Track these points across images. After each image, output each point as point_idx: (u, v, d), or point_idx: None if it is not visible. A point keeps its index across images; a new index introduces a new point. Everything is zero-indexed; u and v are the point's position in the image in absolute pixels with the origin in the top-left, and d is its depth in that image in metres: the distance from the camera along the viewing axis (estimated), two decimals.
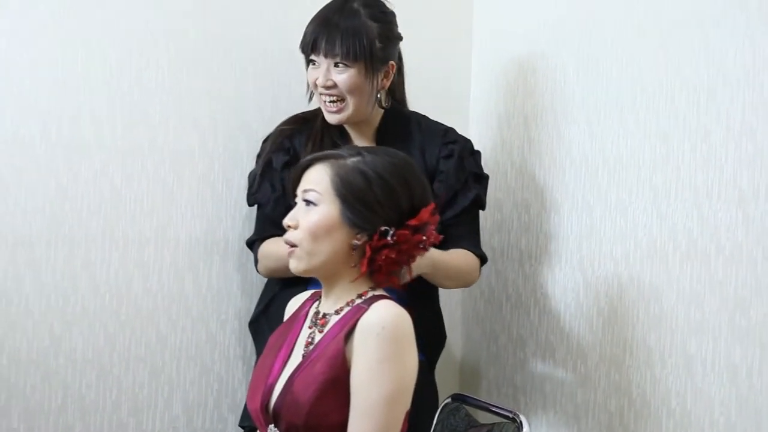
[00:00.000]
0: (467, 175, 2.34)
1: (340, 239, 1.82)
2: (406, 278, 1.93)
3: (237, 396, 2.57)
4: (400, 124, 2.37)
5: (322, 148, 2.27)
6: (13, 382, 2.37)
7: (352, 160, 1.84)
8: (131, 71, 2.47)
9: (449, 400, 2.27)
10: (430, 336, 2.34)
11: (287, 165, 2.33)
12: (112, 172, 2.45)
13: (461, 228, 2.33)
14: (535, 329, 2.58)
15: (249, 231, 2.48)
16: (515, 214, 2.65)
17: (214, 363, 2.56)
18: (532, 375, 2.58)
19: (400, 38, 2.35)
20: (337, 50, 2.23)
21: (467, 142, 2.40)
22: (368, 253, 1.82)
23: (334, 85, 2.26)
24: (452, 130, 2.40)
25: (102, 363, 2.45)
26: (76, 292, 2.42)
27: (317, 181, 1.83)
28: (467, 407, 2.26)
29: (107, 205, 2.45)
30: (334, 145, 2.29)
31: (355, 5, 2.27)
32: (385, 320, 1.75)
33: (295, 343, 1.87)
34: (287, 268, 2.14)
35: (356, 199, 1.81)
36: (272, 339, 1.93)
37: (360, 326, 1.75)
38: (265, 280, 2.44)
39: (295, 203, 1.87)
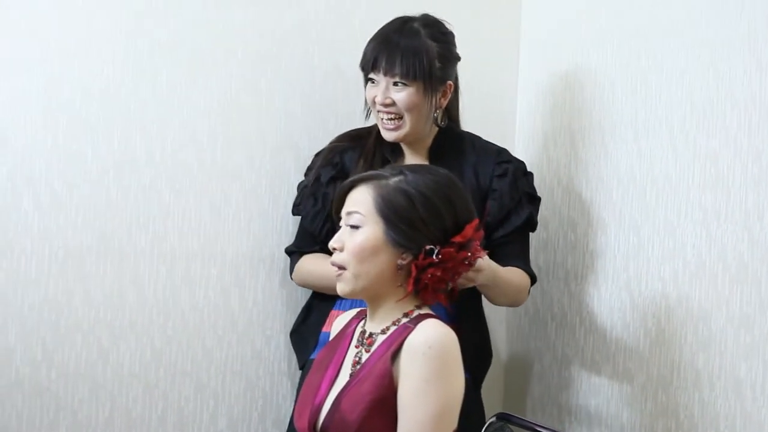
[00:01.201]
0: (520, 195, 2.35)
1: (385, 260, 1.82)
2: (468, 285, 1.97)
3: (281, 411, 2.58)
4: (454, 143, 2.38)
5: (373, 166, 2.29)
6: (62, 395, 2.40)
7: (394, 180, 1.84)
8: (181, 89, 2.50)
9: (494, 419, 2.26)
10: (476, 354, 2.34)
11: (333, 180, 2.36)
12: (161, 187, 2.48)
13: (513, 247, 2.33)
14: (580, 348, 2.56)
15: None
16: (561, 232, 2.64)
17: (259, 378, 2.57)
18: (577, 395, 2.56)
19: (459, 58, 2.36)
20: (397, 69, 2.25)
21: (521, 163, 2.41)
22: (414, 272, 1.82)
23: (393, 103, 2.27)
24: (506, 150, 2.42)
25: (148, 377, 2.47)
26: (124, 306, 2.45)
27: (360, 203, 1.84)
28: (512, 427, 2.25)
29: (156, 220, 2.47)
30: (386, 163, 2.31)
31: (416, 25, 2.29)
32: (432, 339, 1.75)
33: (342, 363, 1.87)
34: (326, 287, 2.16)
35: (400, 218, 1.81)
36: (319, 357, 1.94)
37: (406, 346, 1.75)
38: (309, 293, 2.46)
39: (340, 226, 1.88)
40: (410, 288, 1.82)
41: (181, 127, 2.50)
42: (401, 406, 1.74)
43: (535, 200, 2.39)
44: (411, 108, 2.27)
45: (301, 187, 2.45)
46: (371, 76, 2.29)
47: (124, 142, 2.44)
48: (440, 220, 1.83)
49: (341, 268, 1.84)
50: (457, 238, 1.83)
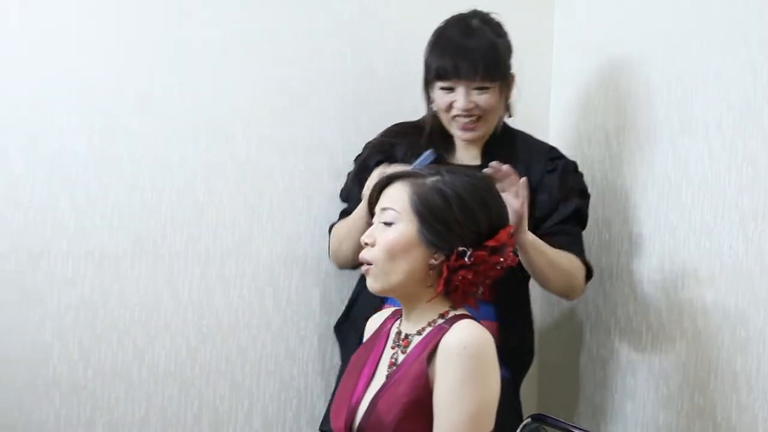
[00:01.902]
0: (569, 189, 2.35)
1: (417, 258, 1.81)
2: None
3: (315, 411, 2.59)
4: (506, 140, 2.38)
5: None
6: (98, 394, 2.42)
7: (431, 179, 1.83)
8: (214, 89, 2.51)
9: (529, 420, 2.25)
10: (517, 353, 2.32)
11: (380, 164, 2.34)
12: (195, 188, 2.49)
13: (562, 237, 2.31)
14: (615, 349, 2.54)
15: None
16: (596, 232, 2.62)
17: (293, 378, 2.58)
18: (612, 396, 2.54)
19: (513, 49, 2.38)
20: (480, 74, 2.26)
21: (572, 162, 2.41)
22: (445, 273, 1.81)
23: (475, 107, 2.29)
24: (556, 148, 2.43)
25: (184, 376, 2.49)
26: (159, 306, 2.47)
27: (396, 199, 1.83)
28: (547, 428, 2.24)
29: (190, 220, 2.49)
30: (438, 158, 2.29)
31: (476, 23, 2.30)
32: (467, 340, 1.74)
33: (378, 363, 1.87)
34: (347, 250, 2.20)
35: (434, 218, 1.80)
36: (354, 357, 1.94)
37: (442, 347, 1.75)
38: (348, 290, 2.47)
39: (373, 222, 1.88)
40: (440, 288, 1.81)
41: (215, 128, 2.51)
42: (437, 407, 1.73)
43: (584, 196, 2.39)
44: (492, 109, 2.30)
45: (350, 175, 2.45)
46: (447, 84, 2.29)
47: (158, 143, 2.46)
48: (475, 223, 1.82)
49: (369, 264, 1.84)
50: (491, 242, 1.82)
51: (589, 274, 2.35)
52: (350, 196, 2.41)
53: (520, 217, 2.11)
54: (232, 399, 2.53)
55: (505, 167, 2.11)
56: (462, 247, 1.80)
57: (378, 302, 2.22)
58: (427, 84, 2.34)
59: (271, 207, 2.56)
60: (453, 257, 1.80)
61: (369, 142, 2.44)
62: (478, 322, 1.82)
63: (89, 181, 2.41)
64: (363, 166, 2.39)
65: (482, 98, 2.28)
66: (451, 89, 2.29)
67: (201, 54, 2.50)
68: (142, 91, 2.45)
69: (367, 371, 1.87)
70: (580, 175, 2.41)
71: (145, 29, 2.46)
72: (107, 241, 2.43)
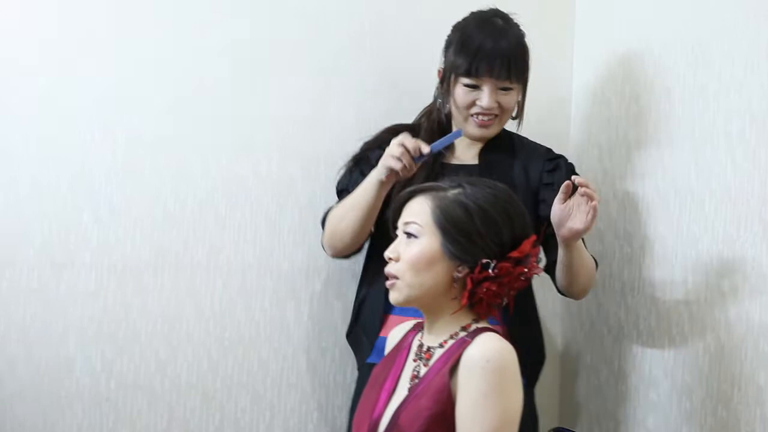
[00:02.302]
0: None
1: (440, 272, 1.82)
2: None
3: (336, 424, 2.59)
4: (503, 141, 2.40)
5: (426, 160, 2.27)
6: (121, 406, 2.43)
7: (453, 192, 1.84)
8: (235, 101, 2.52)
9: None
10: (526, 354, 2.30)
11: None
12: (217, 200, 2.50)
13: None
14: (637, 362, 2.53)
15: (351, 259, 2.50)
16: (617, 245, 2.61)
17: (314, 390, 2.58)
18: (634, 409, 2.53)
19: None
20: (511, 75, 2.29)
21: (570, 162, 2.44)
22: (469, 285, 1.81)
23: (498, 106, 2.31)
24: (552, 150, 2.45)
25: (206, 388, 2.49)
26: (181, 318, 2.48)
27: (418, 213, 1.84)
28: None
29: (212, 233, 2.50)
30: (438, 155, 2.29)
31: (501, 23, 2.32)
32: (489, 353, 1.74)
33: (400, 376, 1.87)
34: (345, 228, 2.22)
35: (457, 231, 1.81)
36: (376, 370, 1.94)
37: (464, 360, 1.75)
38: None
39: (396, 235, 1.88)
40: (464, 301, 1.82)
41: (237, 141, 2.52)
42: (459, 420, 1.73)
43: None
44: (510, 109, 2.35)
45: (346, 168, 2.42)
46: (473, 82, 2.30)
47: (180, 156, 2.48)
48: (498, 235, 1.82)
49: (395, 277, 1.84)
50: (514, 253, 1.82)
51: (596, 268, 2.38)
52: (350, 184, 2.37)
53: (581, 233, 2.16)
54: (253, 411, 2.53)
55: (588, 189, 2.14)
56: (486, 259, 1.80)
57: (384, 303, 2.21)
58: (448, 80, 2.34)
59: (292, 220, 2.56)
60: (477, 269, 1.80)
61: (365, 141, 2.43)
62: (500, 334, 1.82)
63: (112, 193, 2.43)
64: (362, 157, 2.38)
65: (505, 98, 2.31)
66: (476, 87, 2.30)
67: (223, 67, 2.52)
68: (165, 105, 2.47)
69: (388, 384, 1.87)
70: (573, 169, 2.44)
71: (168, 44, 2.48)
72: (130, 253, 2.44)
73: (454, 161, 2.37)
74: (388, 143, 2.31)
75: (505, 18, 2.35)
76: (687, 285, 2.39)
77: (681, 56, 2.43)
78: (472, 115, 2.32)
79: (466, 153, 2.37)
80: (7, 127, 2.38)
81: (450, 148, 2.36)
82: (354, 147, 2.59)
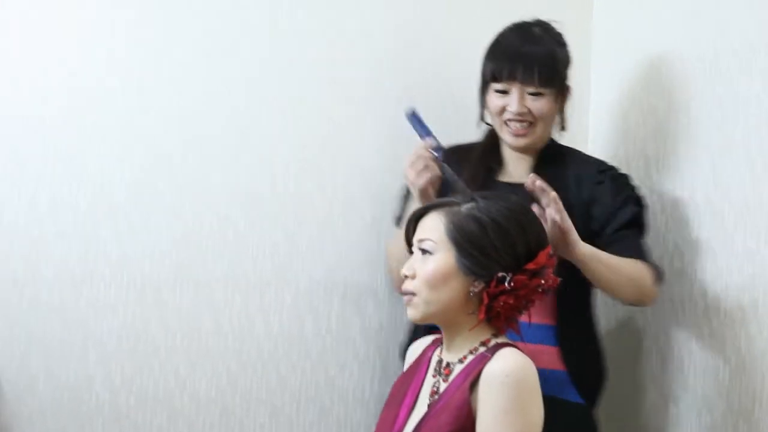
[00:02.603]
0: (625, 197, 2.30)
1: (457, 287, 1.82)
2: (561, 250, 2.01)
3: None
4: (556, 156, 2.35)
5: (477, 175, 2.27)
6: (140, 422, 2.44)
7: (466, 207, 1.84)
8: (255, 119, 2.54)
9: None
10: (587, 375, 2.27)
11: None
12: (236, 216, 2.51)
13: (623, 243, 2.24)
14: (657, 377, 2.51)
15: (369, 274, 2.55)
16: None
17: (333, 405, 2.58)
18: (655, 424, 2.51)
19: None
20: (536, 78, 2.24)
21: (623, 173, 2.38)
22: (486, 300, 1.81)
23: (528, 112, 2.26)
24: (605, 162, 2.40)
25: (225, 403, 2.50)
26: (200, 334, 2.49)
27: (432, 230, 1.84)
28: None
29: (231, 248, 2.51)
30: (489, 173, 2.29)
31: (537, 31, 2.29)
32: (510, 368, 1.74)
33: (419, 392, 1.87)
34: (393, 267, 2.15)
35: (472, 245, 1.81)
36: (395, 386, 1.94)
37: (485, 375, 1.74)
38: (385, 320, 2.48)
39: (412, 252, 1.88)
40: (482, 316, 1.82)
41: (255, 156, 2.53)
42: None
43: (641, 204, 2.33)
44: (545, 116, 2.27)
45: (401, 199, 2.42)
46: (502, 87, 2.27)
47: (198, 172, 2.49)
48: (513, 247, 1.82)
49: (413, 294, 1.84)
50: (530, 266, 1.82)
51: (659, 276, 2.27)
52: (404, 213, 2.35)
53: (565, 231, 2.07)
54: (272, 427, 2.54)
55: (539, 182, 2.07)
56: (501, 272, 1.80)
57: None
58: (483, 89, 2.32)
59: (310, 235, 2.57)
60: (493, 283, 1.80)
61: None
62: (519, 349, 1.81)
63: (131, 209, 2.44)
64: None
65: (536, 104, 2.26)
66: (505, 92, 2.27)
67: (241, 86, 2.53)
68: (183, 122, 2.49)
69: (408, 400, 1.87)
70: (636, 188, 2.36)
71: (188, 62, 2.50)
72: (149, 269, 2.45)
73: (506, 179, 2.33)
74: (441, 169, 2.30)
75: (545, 27, 2.31)
76: (707, 299, 2.37)
77: (699, 70, 2.42)
78: (505, 123, 2.28)
79: (517, 169, 2.33)
80: (27, 144, 2.40)
81: (501, 165, 2.33)
82: (370, 163, 2.61)
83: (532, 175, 2.09)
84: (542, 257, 1.83)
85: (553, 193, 2.06)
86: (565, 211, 2.07)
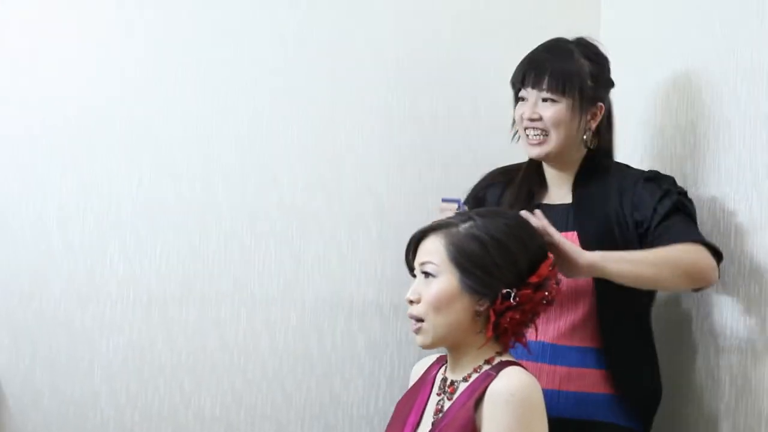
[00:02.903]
0: (665, 191, 2.17)
1: (462, 308, 1.82)
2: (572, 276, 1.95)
3: None
4: (599, 169, 2.25)
5: (518, 198, 2.23)
6: None
7: (464, 227, 1.84)
8: (261, 135, 2.55)
9: None
10: (641, 398, 2.18)
11: None
12: (241, 233, 2.52)
13: (667, 232, 2.11)
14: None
15: (374, 291, 2.56)
16: None
17: (337, 422, 2.57)
18: None
19: (612, 84, 2.29)
20: (545, 83, 2.18)
21: (667, 176, 2.25)
22: (492, 318, 1.81)
23: (540, 119, 2.20)
24: (654, 171, 2.28)
25: (230, 420, 2.50)
26: (206, 351, 2.49)
27: (433, 253, 1.84)
28: None
29: (236, 265, 2.52)
30: (530, 196, 2.24)
31: (570, 45, 2.24)
32: (514, 387, 1.74)
33: (423, 410, 1.87)
34: None
35: (474, 265, 1.81)
36: (399, 405, 1.94)
37: (489, 393, 1.75)
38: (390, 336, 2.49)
39: (414, 275, 1.88)
40: (489, 334, 1.82)
41: (262, 172, 2.54)
42: None
43: (683, 194, 2.20)
44: (558, 124, 2.18)
45: None
46: (521, 93, 2.23)
47: (205, 188, 2.50)
48: (514, 263, 1.82)
49: (419, 320, 1.84)
50: (533, 279, 1.82)
51: (714, 252, 2.10)
52: None
53: (562, 246, 1.95)
54: None
55: (533, 220, 1.97)
56: (506, 289, 1.80)
57: None
58: (515, 103, 2.28)
59: (316, 252, 2.57)
60: (498, 301, 1.80)
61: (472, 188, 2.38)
62: (524, 367, 1.81)
63: (138, 226, 2.45)
64: (466, 200, 2.32)
65: (548, 111, 2.19)
66: (523, 99, 2.23)
67: (248, 100, 2.54)
68: (189, 138, 2.50)
69: (412, 419, 1.87)
70: (673, 180, 2.24)
71: (193, 76, 2.51)
72: (155, 285, 2.46)
73: (548, 201, 2.27)
74: (483, 192, 2.31)
75: (579, 43, 2.25)
76: (712, 317, 2.36)
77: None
78: (524, 131, 2.23)
79: (558, 191, 2.27)
80: (33, 161, 2.42)
81: (543, 188, 2.29)
82: (378, 182, 2.61)
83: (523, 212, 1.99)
84: (544, 269, 1.83)
85: (537, 211, 1.99)
86: (552, 227, 1.97)
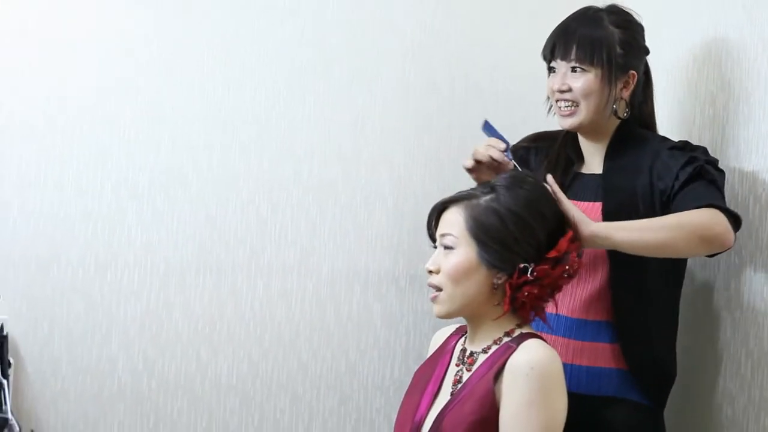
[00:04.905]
0: (688, 158, 2.11)
1: (480, 280, 1.82)
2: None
3: (375, 425, 2.59)
4: (634, 140, 2.20)
5: (557, 167, 2.20)
6: (161, 406, 2.46)
7: (485, 199, 1.84)
8: (278, 105, 2.54)
9: None
10: (652, 373, 2.15)
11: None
12: (258, 202, 2.52)
13: (685, 198, 2.06)
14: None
15: (390, 261, 2.56)
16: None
17: (353, 392, 2.59)
18: (683, 418, 2.49)
19: (647, 51, 2.24)
20: (573, 54, 2.14)
21: (698, 146, 2.18)
22: (509, 291, 1.81)
23: (570, 90, 2.16)
24: (685, 141, 2.22)
25: (245, 389, 2.51)
26: (222, 319, 2.50)
27: (453, 224, 1.84)
28: None
29: (253, 234, 2.52)
30: (568, 166, 2.21)
31: (600, 13, 2.19)
32: (534, 360, 1.74)
33: (442, 380, 1.87)
34: None
35: (492, 239, 1.81)
36: (418, 373, 1.94)
37: (509, 366, 1.75)
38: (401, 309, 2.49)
39: (435, 247, 1.88)
40: (506, 307, 1.82)
41: (279, 142, 2.54)
42: (503, 427, 1.73)
43: (707, 155, 2.14)
44: (587, 94, 2.14)
45: None
46: (552, 64, 2.19)
47: (222, 158, 2.50)
48: (533, 237, 1.82)
49: (438, 289, 1.84)
50: (552, 253, 1.82)
51: (730, 216, 2.03)
52: None
53: (569, 213, 1.92)
54: (292, 413, 2.55)
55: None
56: (523, 263, 1.80)
57: None
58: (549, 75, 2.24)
59: (333, 222, 2.57)
60: (515, 275, 1.80)
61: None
62: (544, 339, 1.81)
63: (156, 194, 2.46)
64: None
65: (578, 81, 2.14)
66: (554, 70, 2.19)
67: (264, 72, 2.53)
68: (206, 109, 2.49)
69: (431, 388, 1.88)
70: (700, 148, 2.17)
71: (211, 47, 2.50)
72: (172, 254, 2.46)
73: (583, 170, 2.24)
74: (526, 153, 2.27)
75: (610, 11, 2.19)
76: (729, 290, 2.36)
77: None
78: (556, 103, 2.19)
79: (592, 160, 2.23)
80: (52, 131, 2.41)
81: (579, 158, 2.25)
82: (394, 152, 2.61)
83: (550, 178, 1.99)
84: (563, 243, 1.83)
85: (548, 177, 1.97)
86: (561, 194, 1.95)
